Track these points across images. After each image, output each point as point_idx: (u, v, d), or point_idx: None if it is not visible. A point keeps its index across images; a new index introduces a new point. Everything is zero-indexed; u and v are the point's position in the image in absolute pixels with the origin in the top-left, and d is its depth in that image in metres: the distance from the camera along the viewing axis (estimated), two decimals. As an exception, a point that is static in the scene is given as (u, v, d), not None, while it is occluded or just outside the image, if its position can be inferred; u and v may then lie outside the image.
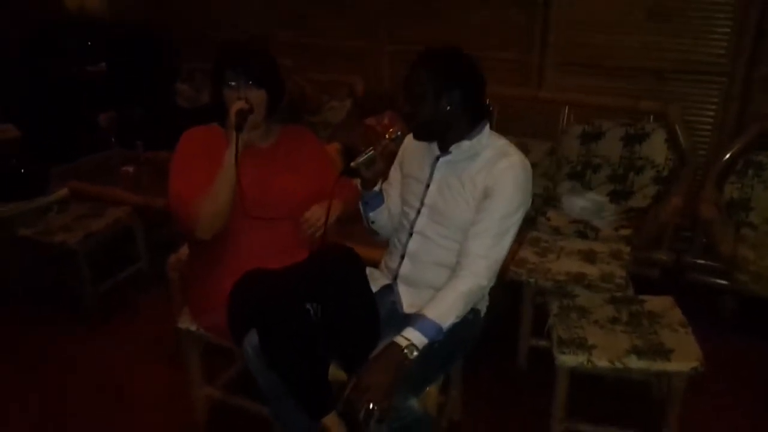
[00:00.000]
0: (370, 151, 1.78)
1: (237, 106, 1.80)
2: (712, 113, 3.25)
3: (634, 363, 1.83)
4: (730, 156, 3.01)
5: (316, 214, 1.88)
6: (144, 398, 2.44)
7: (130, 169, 3.47)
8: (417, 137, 1.81)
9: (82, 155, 3.79)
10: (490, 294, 1.85)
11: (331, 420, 1.73)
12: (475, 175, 1.73)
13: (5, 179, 3.10)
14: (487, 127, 1.77)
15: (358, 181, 1.92)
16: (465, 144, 1.74)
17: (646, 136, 3.07)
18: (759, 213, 2.90)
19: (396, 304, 1.88)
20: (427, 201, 1.82)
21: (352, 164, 1.79)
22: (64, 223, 2.99)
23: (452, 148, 1.76)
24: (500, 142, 1.77)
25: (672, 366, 1.82)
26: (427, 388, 1.76)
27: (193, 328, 2.03)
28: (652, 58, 3.29)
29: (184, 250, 2.51)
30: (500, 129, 3.60)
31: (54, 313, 3.03)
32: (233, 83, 1.84)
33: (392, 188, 1.97)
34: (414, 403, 1.65)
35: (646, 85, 3.30)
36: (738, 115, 3.20)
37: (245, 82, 1.84)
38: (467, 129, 1.74)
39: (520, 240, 2.58)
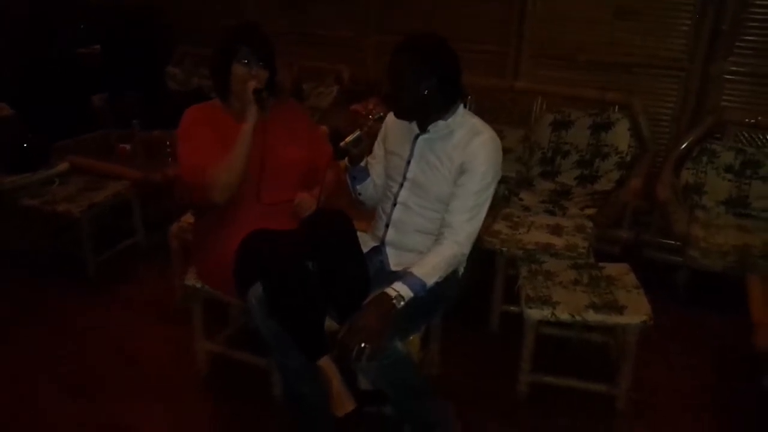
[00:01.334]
0: (357, 132, 2.00)
1: (253, 84, 1.98)
2: (671, 105, 3.53)
3: (592, 317, 2.09)
4: (686, 144, 3.28)
5: (306, 201, 2.09)
6: (148, 355, 2.62)
7: (127, 146, 3.65)
8: (398, 117, 2.00)
9: (76, 135, 3.93)
10: (467, 260, 2.09)
11: (326, 362, 1.94)
12: (452, 151, 1.93)
13: (9, 152, 3.24)
14: (461, 107, 1.97)
15: (346, 159, 2.12)
16: (441, 123, 1.95)
17: (612, 125, 3.33)
18: (711, 196, 3.18)
19: (383, 264, 2.10)
20: (408, 175, 2.03)
21: (341, 144, 1.99)
22: (66, 195, 3.16)
23: (430, 127, 1.96)
24: (473, 121, 1.98)
25: (624, 319, 2.09)
26: (411, 336, 1.99)
27: (198, 285, 2.23)
28: (619, 53, 3.55)
29: (186, 219, 2.71)
30: (478, 116, 3.85)
31: (57, 279, 3.19)
32: (246, 60, 2.01)
33: (376, 162, 2.18)
34: (399, 345, 1.88)
35: (613, 78, 3.56)
36: (695, 108, 3.48)
37: (256, 61, 2.03)
38: (444, 110, 1.94)
39: (493, 215, 2.82)
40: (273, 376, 2.29)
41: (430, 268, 1.86)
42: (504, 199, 3.17)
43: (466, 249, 1.94)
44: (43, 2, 4.79)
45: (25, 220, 3.28)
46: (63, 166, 3.35)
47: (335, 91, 4.12)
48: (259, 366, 2.32)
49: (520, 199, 3.19)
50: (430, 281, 1.85)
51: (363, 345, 1.72)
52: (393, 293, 1.79)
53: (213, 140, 2.02)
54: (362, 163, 2.12)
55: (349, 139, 1.99)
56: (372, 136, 2.12)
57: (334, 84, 4.15)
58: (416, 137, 2.01)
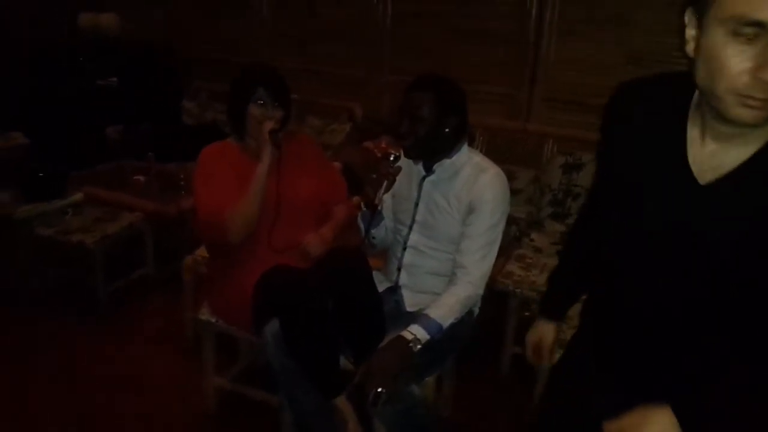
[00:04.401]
0: (383, 180, 1.94)
1: (269, 125, 2.02)
2: (682, 151, 3.56)
3: (608, 362, 2.07)
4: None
5: (314, 243, 2.11)
6: (156, 388, 2.61)
7: (141, 178, 3.67)
8: (408, 155, 1.96)
9: (90, 165, 3.96)
10: (481, 300, 2.09)
11: (342, 401, 1.94)
12: (459, 191, 1.94)
13: (25, 181, 3.27)
14: (465, 146, 1.99)
15: (362, 204, 2.08)
16: (446, 162, 1.96)
17: (622, 169, 3.35)
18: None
19: (399, 304, 2.10)
20: (417, 218, 2.04)
21: (376, 202, 1.94)
22: (80, 225, 3.18)
23: (435, 167, 1.98)
24: (477, 159, 1.99)
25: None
26: (426, 379, 1.98)
27: (212, 319, 2.23)
28: (630, 98, 3.59)
29: (200, 252, 2.72)
30: (488, 157, 3.88)
31: (67, 308, 3.19)
32: (261, 101, 2.06)
33: (386, 207, 2.16)
34: (415, 389, 1.87)
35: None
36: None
37: (272, 102, 2.07)
38: (451, 148, 1.96)
39: (506, 256, 2.83)
40: (283, 414, 2.26)
41: (447, 310, 1.85)
42: (515, 239, 3.18)
43: (481, 289, 1.94)
44: (63, 33, 4.89)
45: (37, 248, 3.28)
46: (78, 197, 3.37)
47: (348, 128, 4.17)
48: (268, 404, 2.30)
49: (531, 240, 3.20)
50: (446, 323, 1.84)
51: (380, 390, 1.71)
52: (410, 336, 1.78)
53: (230, 180, 2.04)
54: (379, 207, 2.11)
55: (380, 192, 1.94)
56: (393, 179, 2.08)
57: (347, 121, 4.21)
58: (422, 179, 2.02)
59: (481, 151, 3.76)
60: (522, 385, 2.44)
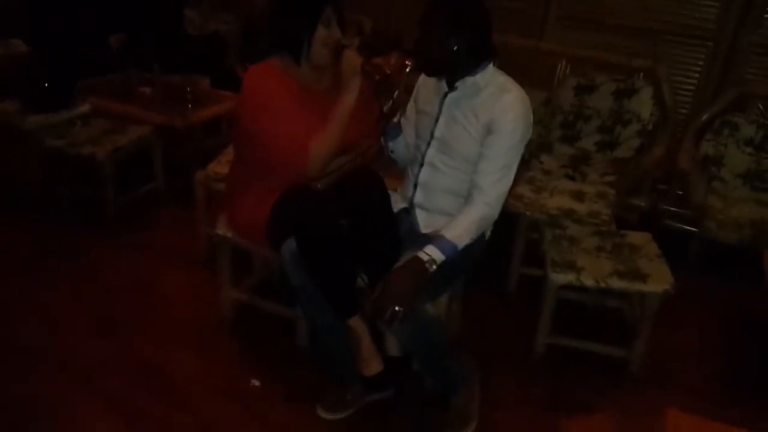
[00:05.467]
0: (395, 91, 1.92)
1: (358, 57, 1.90)
2: (696, 75, 3.52)
3: (616, 283, 2.15)
4: (709, 116, 3.28)
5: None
6: (173, 299, 2.68)
7: (147, 90, 3.63)
8: (425, 73, 1.95)
9: (93, 75, 3.89)
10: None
11: (356, 321, 2.00)
12: (478, 108, 1.91)
13: (32, 91, 3.22)
14: (491, 65, 1.94)
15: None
16: (469, 80, 1.92)
17: (635, 92, 3.31)
18: (729, 169, 3.21)
19: (413, 225, 2.13)
20: (436, 134, 2.02)
21: (385, 110, 1.96)
22: (90, 137, 3.16)
23: (458, 84, 1.94)
24: (501, 79, 1.94)
25: (647, 287, 2.15)
26: (440, 298, 2.04)
27: (229, 234, 2.27)
28: (648, 19, 3.52)
29: (212, 168, 2.74)
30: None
31: (78, 220, 3.23)
32: (327, 23, 1.91)
33: (408, 123, 2.16)
34: (429, 308, 1.93)
35: (640, 45, 3.53)
36: (720, 78, 3.47)
37: (337, 24, 1.94)
38: (472, 67, 1.91)
39: (516, 178, 2.84)
40: (298, 326, 2.35)
41: (461, 231, 1.87)
42: (524, 162, 3.18)
43: (496, 210, 1.95)
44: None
45: (45, 159, 3.28)
46: (85, 108, 3.34)
47: (356, 42, 4.06)
48: (284, 316, 2.38)
49: (541, 163, 3.21)
50: (462, 244, 1.87)
51: (396, 308, 1.76)
52: (425, 257, 1.81)
53: (298, 112, 1.92)
54: (395, 119, 2.09)
55: (389, 103, 1.95)
56: (407, 89, 2.08)
57: (356, 35, 4.10)
58: (445, 95, 1.99)
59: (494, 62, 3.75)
60: (528, 303, 2.52)
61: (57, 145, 3.10)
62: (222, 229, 2.28)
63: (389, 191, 2.16)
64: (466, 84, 1.94)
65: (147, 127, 3.29)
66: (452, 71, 1.94)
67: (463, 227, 1.88)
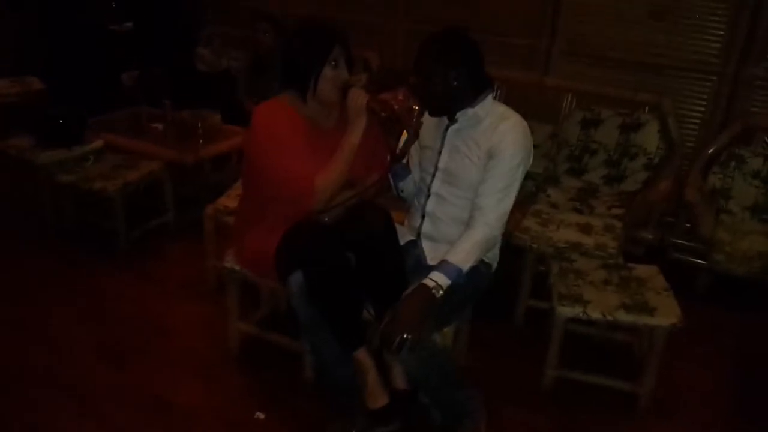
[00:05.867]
0: (405, 134, 1.98)
1: (364, 96, 1.90)
2: (702, 108, 3.54)
3: (623, 317, 2.14)
4: (715, 148, 3.29)
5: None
6: (181, 330, 2.69)
7: (159, 126, 3.69)
8: (432, 114, 2.02)
9: (106, 111, 3.97)
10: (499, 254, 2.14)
11: (362, 354, 2.00)
12: (480, 137, 1.97)
13: (45, 127, 3.29)
14: (490, 96, 2.00)
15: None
16: (469, 111, 1.98)
17: (641, 126, 3.35)
18: (737, 201, 3.20)
19: (420, 258, 2.15)
20: (440, 165, 2.07)
21: (399, 151, 2.01)
22: (101, 172, 3.22)
23: (458, 116, 2.00)
24: (500, 109, 2.02)
25: (655, 321, 2.13)
26: (445, 329, 2.04)
27: (237, 267, 2.29)
28: (652, 53, 3.55)
29: (221, 202, 2.77)
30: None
31: (89, 252, 3.26)
32: (335, 63, 1.94)
33: (412, 159, 2.21)
34: (437, 337, 1.93)
35: (644, 79, 3.56)
36: (725, 111, 3.48)
37: (343, 64, 1.97)
38: (472, 99, 1.97)
39: (523, 211, 2.86)
40: (305, 358, 2.35)
41: (465, 254, 1.89)
42: (531, 195, 3.21)
43: (498, 231, 1.97)
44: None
45: (57, 193, 3.34)
46: (98, 144, 3.40)
47: (363, 80, 4.13)
48: (290, 348, 2.38)
49: (548, 196, 3.23)
50: (466, 266, 1.88)
51: (404, 336, 1.77)
52: (431, 283, 1.83)
53: (303, 149, 1.94)
54: (404, 160, 2.13)
55: (401, 144, 2.01)
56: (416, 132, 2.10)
57: (363, 71, 4.17)
58: (446, 128, 2.05)
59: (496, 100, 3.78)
60: (536, 335, 2.51)
61: (68, 180, 3.15)
62: (230, 263, 2.30)
63: (397, 224, 2.19)
64: (466, 115, 1.99)
65: (158, 162, 3.34)
66: (453, 106, 1.99)
67: (465, 250, 1.90)
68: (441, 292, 1.83)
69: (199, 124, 3.65)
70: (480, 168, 1.96)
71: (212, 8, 4.81)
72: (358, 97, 1.91)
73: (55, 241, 3.35)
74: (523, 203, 2.85)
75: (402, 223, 2.26)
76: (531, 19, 3.81)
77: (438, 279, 1.84)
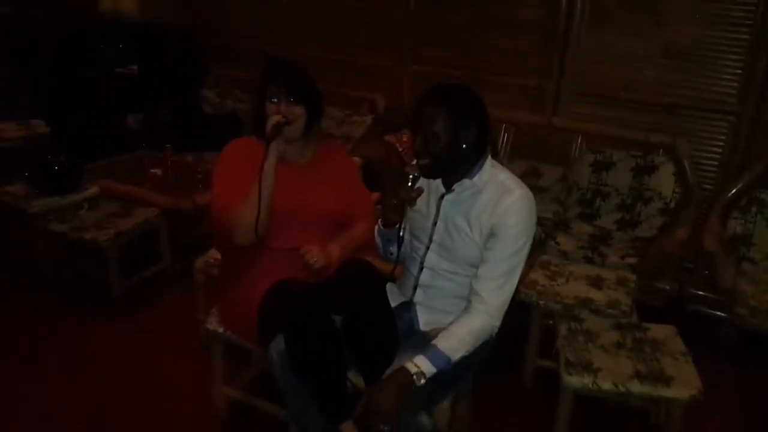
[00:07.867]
0: (403, 204, 1.82)
1: (274, 120, 1.92)
2: (719, 150, 3.37)
3: (637, 388, 1.95)
4: (734, 192, 3.11)
5: (313, 254, 1.95)
6: (167, 388, 2.58)
7: (158, 171, 3.61)
8: (427, 175, 1.80)
9: (110, 154, 3.91)
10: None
11: (348, 427, 1.84)
12: (481, 214, 1.78)
13: (40, 174, 3.22)
14: (488, 161, 1.80)
15: (380, 222, 1.98)
16: (467, 182, 1.79)
17: (655, 169, 3.20)
18: (760, 248, 3.02)
19: (413, 322, 1.99)
20: (435, 238, 1.89)
21: (402, 234, 1.89)
22: (95, 221, 3.12)
23: (455, 186, 1.81)
24: (501, 177, 1.80)
25: (672, 392, 1.94)
26: (438, 406, 1.87)
27: (220, 329, 2.16)
28: (666, 93, 3.41)
29: (212, 253, 2.65)
30: (514, 153, 3.72)
31: (81, 302, 3.17)
32: (275, 99, 1.96)
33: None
34: (425, 419, 1.73)
35: (657, 119, 3.42)
36: (744, 153, 3.31)
37: (287, 99, 1.96)
38: (471, 165, 1.78)
39: (530, 263, 2.69)
40: (291, 427, 2.19)
41: (457, 342, 1.72)
42: (540, 243, 3.05)
43: (498, 321, 1.78)
44: (82, 21, 4.83)
45: (51, 241, 3.26)
46: (93, 191, 3.32)
47: (369, 120, 4.05)
48: (277, 416, 2.23)
49: (557, 243, 3.07)
50: (456, 356, 1.71)
51: (381, 428, 1.62)
52: (414, 369, 1.66)
53: (246, 178, 1.92)
54: (401, 232, 1.93)
55: (404, 221, 1.88)
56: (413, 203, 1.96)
57: (369, 113, 4.08)
58: (441, 197, 1.87)
59: (506, 147, 3.66)
60: (546, 397, 2.33)
61: (60, 229, 3.06)
62: (213, 324, 2.17)
63: (388, 284, 2.05)
64: (464, 186, 1.81)
65: (154, 210, 3.25)
66: (453, 171, 1.81)
67: (458, 338, 1.73)
68: (423, 380, 1.66)
69: (199, 169, 3.57)
70: (479, 245, 1.79)
71: (218, 51, 4.77)
72: (269, 124, 1.92)
73: (49, 290, 3.26)
74: (530, 253, 2.69)
75: (393, 281, 2.10)
76: (538, 59, 3.69)
77: (422, 365, 1.67)
